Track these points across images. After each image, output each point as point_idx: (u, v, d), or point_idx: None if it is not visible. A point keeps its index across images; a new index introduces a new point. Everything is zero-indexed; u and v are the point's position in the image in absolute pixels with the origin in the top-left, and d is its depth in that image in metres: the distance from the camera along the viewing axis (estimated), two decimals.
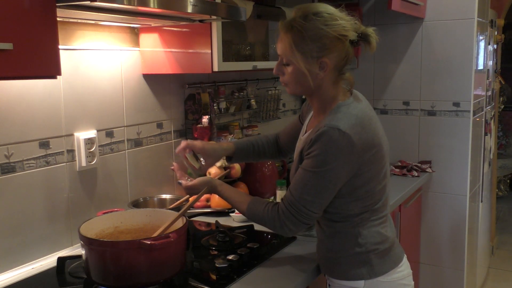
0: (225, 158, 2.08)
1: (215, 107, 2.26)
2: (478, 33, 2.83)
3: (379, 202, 1.41)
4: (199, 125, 2.14)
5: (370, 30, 1.35)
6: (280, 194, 2.06)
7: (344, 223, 1.40)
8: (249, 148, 1.70)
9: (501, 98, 4.54)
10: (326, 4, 1.36)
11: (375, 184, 1.38)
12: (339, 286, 1.45)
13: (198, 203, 2.07)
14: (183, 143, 1.55)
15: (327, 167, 1.29)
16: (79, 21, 1.67)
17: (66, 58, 1.64)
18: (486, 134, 3.31)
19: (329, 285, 1.49)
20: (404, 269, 1.46)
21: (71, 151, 1.70)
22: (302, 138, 1.48)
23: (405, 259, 1.48)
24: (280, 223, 1.37)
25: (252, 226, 1.83)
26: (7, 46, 1.06)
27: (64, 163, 1.68)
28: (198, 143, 1.57)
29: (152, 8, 1.33)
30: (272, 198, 2.16)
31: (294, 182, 1.36)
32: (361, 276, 1.40)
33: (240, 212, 1.48)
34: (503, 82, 4.25)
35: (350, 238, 1.40)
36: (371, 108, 1.46)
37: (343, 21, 1.32)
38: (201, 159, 1.58)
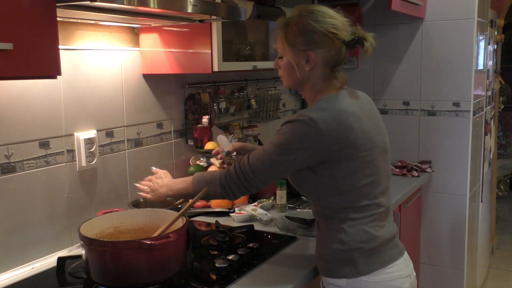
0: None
1: (215, 107, 2.26)
2: (478, 33, 2.83)
3: (365, 199, 1.39)
4: (199, 125, 2.14)
5: (367, 35, 1.39)
6: (280, 194, 2.06)
7: (331, 219, 1.41)
8: None
9: (501, 98, 4.54)
10: (323, 6, 1.42)
11: (360, 178, 1.38)
12: (326, 283, 1.45)
13: (198, 203, 2.07)
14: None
15: (288, 146, 1.35)
16: (79, 21, 1.67)
17: (66, 58, 1.64)
18: (486, 134, 3.31)
19: (322, 282, 1.50)
20: (395, 270, 1.42)
21: (71, 151, 1.70)
22: None
23: (400, 261, 1.45)
24: (222, 181, 1.43)
25: (252, 226, 1.83)
26: (7, 46, 1.06)
27: (64, 163, 1.68)
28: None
29: (152, 8, 1.33)
30: (272, 198, 2.16)
31: (256, 151, 1.43)
32: (343, 274, 1.39)
33: (188, 187, 1.50)
34: (503, 82, 4.25)
35: (335, 235, 1.40)
36: (365, 106, 1.46)
37: (334, 20, 1.38)
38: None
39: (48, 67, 1.18)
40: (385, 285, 1.40)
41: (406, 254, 1.50)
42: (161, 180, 1.59)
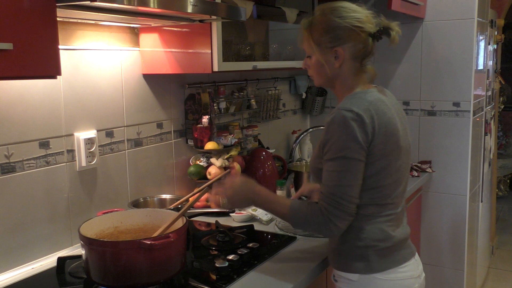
0: (225, 158, 2.09)
1: (215, 107, 2.26)
2: (478, 33, 2.83)
3: (388, 198, 1.41)
4: (199, 125, 2.14)
5: (392, 24, 1.41)
6: (280, 194, 2.06)
7: None
8: None
9: (501, 98, 4.54)
10: (344, 1, 1.45)
11: (385, 177, 1.38)
12: (338, 276, 1.47)
13: (198, 203, 2.07)
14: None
15: (349, 148, 1.32)
16: (79, 21, 1.67)
17: (66, 58, 1.64)
18: (486, 134, 3.31)
19: (333, 275, 1.51)
20: (407, 270, 1.44)
21: (71, 151, 1.70)
22: None
23: (412, 261, 1.46)
24: (324, 220, 1.35)
25: (252, 226, 1.83)
26: (7, 46, 1.06)
27: (64, 163, 1.68)
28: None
29: (152, 8, 1.33)
30: None
31: (326, 176, 1.36)
32: (356, 269, 1.41)
33: (282, 216, 1.44)
34: (503, 82, 4.25)
35: (352, 231, 1.41)
36: (395, 103, 1.48)
37: (358, 14, 1.40)
38: None
39: (48, 67, 1.18)
40: (396, 284, 1.42)
41: (417, 255, 1.51)
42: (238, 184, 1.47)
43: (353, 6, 1.42)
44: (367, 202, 1.39)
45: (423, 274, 1.51)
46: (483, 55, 3.04)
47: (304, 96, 3.08)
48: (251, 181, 1.49)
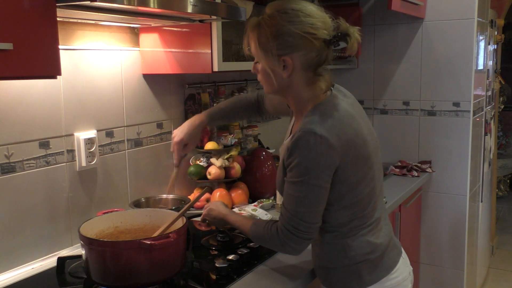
0: (225, 158, 2.09)
1: None
2: (478, 33, 2.83)
3: (367, 208, 1.35)
4: None
5: (351, 30, 1.26)
6: (280, 194, 2.06)
7: (332, 234, 1.37)
8: (223, 117, 1.79)
9: (501, 98, 4.54)
10: (300, 1, 1.29)
11: (363, 188, 1.33)
12: None
13: (198, 203, 2.07)
14: (176, 149, 1.68)
15: (311, 173, 1.25)
16: (79, 21, 1.67)
17: (66, 58, 1.64)
18: (486, 134, 3.31)
19: None
20: (398, 275, 1.40)
21: (71, 151, 1.70)
22: (285, 143, 1.41)
23: (400, 263, 1.42)
24: (281, 242, 1.33)
25: None
26: (7, 46, 1.06)
27: (64, 163, 1.68)
28: (181, 143, 1.67)
29: (152, 8, 1.33)
30: (272, 198, 2.16)
31: (285, 197, 1.32)
32: (350, 287, 1.37)
33: (247, 236, 1.48)
34: (503, 82, 4.25)
35: (338, 250, 1.36)
36: (356, 105, 1.40)
37: (312, 19, 1.25)
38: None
39: (48, 67, 1.18)
40: None
41: (403, 252, 1.49)
42: (218, 208, 1.61)
43: (308, 8, 1.26)
44: (349, 218, 1.34)
45: (411, 268, 1.48)
46: (483, 55, 3.05)
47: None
48: (222, 205, 1.62)
